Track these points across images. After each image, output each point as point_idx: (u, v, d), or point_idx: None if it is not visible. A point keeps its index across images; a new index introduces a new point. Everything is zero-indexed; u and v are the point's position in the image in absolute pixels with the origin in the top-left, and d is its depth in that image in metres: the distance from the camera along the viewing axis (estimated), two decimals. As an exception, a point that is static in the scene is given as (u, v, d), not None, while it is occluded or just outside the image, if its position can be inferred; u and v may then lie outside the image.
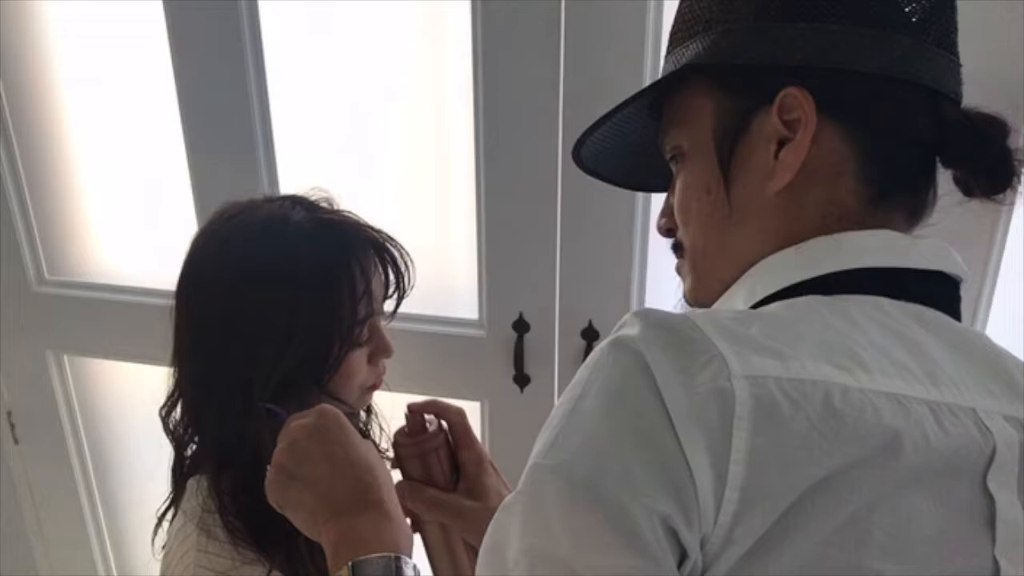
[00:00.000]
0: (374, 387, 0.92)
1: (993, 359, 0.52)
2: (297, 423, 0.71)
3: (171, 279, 0.86)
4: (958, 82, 0.56)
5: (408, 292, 0.91)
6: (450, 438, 0.81)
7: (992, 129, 0.54)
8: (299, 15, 1.22)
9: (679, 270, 0.66)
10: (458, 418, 0.82)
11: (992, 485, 0.45)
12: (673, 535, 0.42)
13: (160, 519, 0.93)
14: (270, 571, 0.83)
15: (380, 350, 0.89)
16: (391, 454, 1.08)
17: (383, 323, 0.91)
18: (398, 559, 0.64)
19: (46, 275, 1.49)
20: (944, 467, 0.45)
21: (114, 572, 1.72)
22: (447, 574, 0.80)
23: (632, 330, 0.46)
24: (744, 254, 0.58)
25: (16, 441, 1.62)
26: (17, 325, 1.52)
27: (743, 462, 0.42)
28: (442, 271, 1.30)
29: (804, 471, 0.42)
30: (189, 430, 0.90)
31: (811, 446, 0.42)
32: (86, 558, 1.68)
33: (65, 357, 1.56)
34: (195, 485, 0.88)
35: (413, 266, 0.90)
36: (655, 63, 1.07)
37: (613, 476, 0.43)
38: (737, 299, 0.58)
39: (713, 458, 0.42)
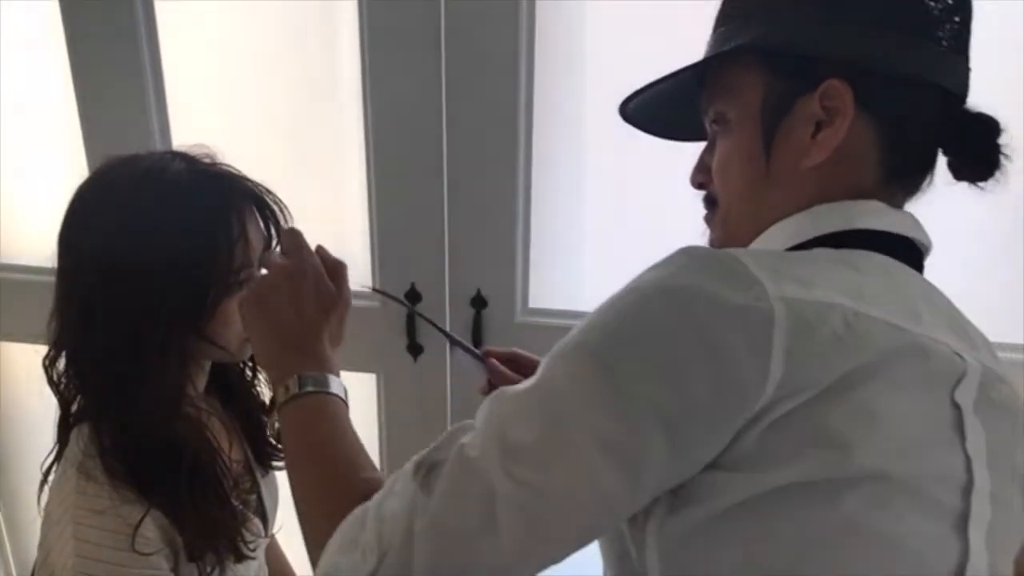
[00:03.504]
0: (255, 337, 0.94)
1: (954, 314, 0.64)
2: (279, 266, 0.79)
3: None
4: (967, 84, 0.66)
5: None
6: None
7: (990, 127, 0.65)
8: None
9: (708, 221, 0.75)
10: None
11: (958, 398, 0.56)
12: (670, 422, 0.52)
13: (46, 474, 0.93)
14: (148, 509, 0.86)
15: (259, 300, 0.92)
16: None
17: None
18: (328, 373, 0.75)
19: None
20: (929, 377, 0.56)
21: (10, 558, 1.69)
22: None
23: (681, 260, 0.56)
24: (769, 218, 0.67)
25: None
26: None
27: (782, 360, 0.52)
28: (336, 245, 1.32)
29: (828, 369, 0.52)
30: (74, 381, 0.91)
31: (833, 350, 0.53)
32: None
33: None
34: (77, 433, 0.89)
35: (293, 220, 0.94)
36: (530, 34, 1.14)
37: (631, 360, 0.53)
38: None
39: (756, 357, 0.52)
